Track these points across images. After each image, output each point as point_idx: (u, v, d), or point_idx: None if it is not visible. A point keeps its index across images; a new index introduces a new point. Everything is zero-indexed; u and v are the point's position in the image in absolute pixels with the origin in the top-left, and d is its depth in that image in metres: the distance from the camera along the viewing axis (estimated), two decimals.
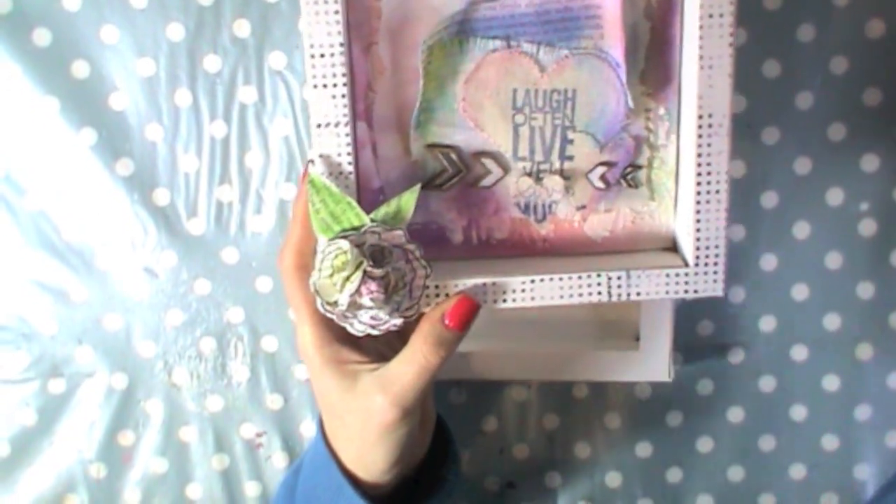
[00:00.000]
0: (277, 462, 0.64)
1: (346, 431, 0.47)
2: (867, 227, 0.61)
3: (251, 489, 0.64)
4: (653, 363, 0.59)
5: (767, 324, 0.62)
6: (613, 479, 0.66)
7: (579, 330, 0.60)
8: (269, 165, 0.59)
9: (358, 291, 0.42)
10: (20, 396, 0.61)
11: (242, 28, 0.57)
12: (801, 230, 0.61)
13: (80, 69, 0.57)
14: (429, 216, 0.43)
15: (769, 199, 0.60)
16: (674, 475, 0.65)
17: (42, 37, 0.56)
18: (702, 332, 0.62)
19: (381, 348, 0.47)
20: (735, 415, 0.64)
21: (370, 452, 0.46)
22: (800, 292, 0.62)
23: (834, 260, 0.61)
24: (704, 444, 0.65)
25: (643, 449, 0.65)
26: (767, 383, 0.63)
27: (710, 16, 0.43)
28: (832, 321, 0.62)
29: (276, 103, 0.58)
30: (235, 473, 0.64)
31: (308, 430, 0.63)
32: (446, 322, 0.44)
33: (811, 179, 0.60)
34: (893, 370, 0.63)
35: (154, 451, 0.63)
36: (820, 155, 0.60)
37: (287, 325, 0.61)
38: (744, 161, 0.59)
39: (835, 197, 0.60)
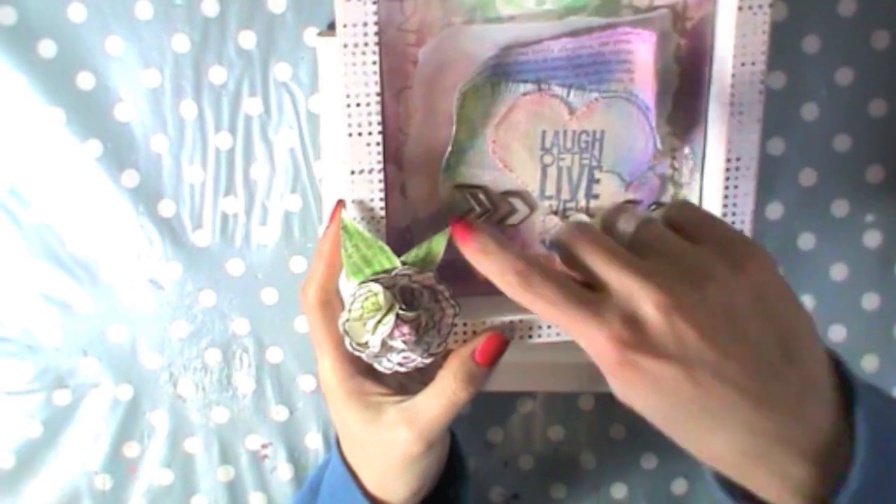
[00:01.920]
0: (283, 474, 0.64)
1: (369, 462, 0.47)
2: (872, 239, 0.61)
3: (256, 501, 0.64)
4: None
5: None
6: (619, 490, 0.66)
7: None
8: (274, 177, 0.59)
9: (391, 334, 0.42)
10: (25, 408, 0.61)
11: (248, 39, 0.57)
12: (807, 242, 0.61)
13: (86, 80, 0.57)
14: (455, 253, 0.43)
15: (774, 211, 0.60)
16: (679, 486, 0.65)
17: (47, 48, 0.56)
18: None
19: (402, 379, 0.47)
20: None
21: (393, 482, 0.47)
22: (805, 304, 0.61)
23: (839, 271, 0.61)
24: None
25: (648, 460, 0.65)
26: None
27: (743, 64, 0.44)
28: (838, 333, 0.62)
29: (282, 115, 0.58)
30: (241, 485, 0.64)
31: (313, 441, 0.63)
32: (476, 359, 0.45)
33: (816, 191, 0.60)
34: None
35: (159, 462, 0.63)
36: (825, 166, 0.60)
37: (292, 337, 0.61)
38: None
39: (840, 208, 0.60)
